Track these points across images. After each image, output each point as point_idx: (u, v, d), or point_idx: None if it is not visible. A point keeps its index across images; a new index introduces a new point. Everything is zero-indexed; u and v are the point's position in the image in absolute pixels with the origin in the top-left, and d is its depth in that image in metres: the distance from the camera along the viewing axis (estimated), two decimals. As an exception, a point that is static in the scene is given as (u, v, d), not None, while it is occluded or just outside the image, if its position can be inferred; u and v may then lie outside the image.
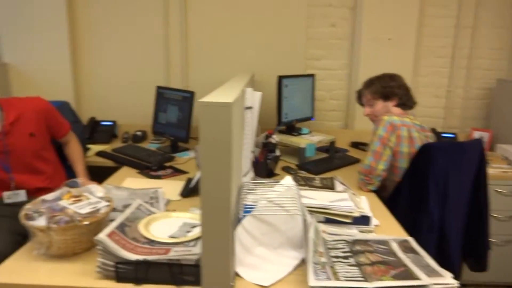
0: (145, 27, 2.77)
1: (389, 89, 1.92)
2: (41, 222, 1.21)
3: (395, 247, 1.23)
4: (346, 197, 1.51)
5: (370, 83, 1.99)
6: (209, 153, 0.99)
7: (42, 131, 1.92)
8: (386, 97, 1.93)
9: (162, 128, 2.59)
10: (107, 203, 1.34)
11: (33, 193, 1.87)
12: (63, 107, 2.33)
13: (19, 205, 1.80)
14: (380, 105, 1.95)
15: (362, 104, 2.10)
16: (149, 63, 2.83)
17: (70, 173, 2.07)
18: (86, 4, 2.75)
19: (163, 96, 2.59)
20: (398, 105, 1.94)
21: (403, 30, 2.72)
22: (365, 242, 1.26)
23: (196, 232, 1.24)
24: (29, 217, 1.25)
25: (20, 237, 1.69)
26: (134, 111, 2.90)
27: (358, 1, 2.69)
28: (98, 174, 2.11)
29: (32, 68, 2.79)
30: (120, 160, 2.26)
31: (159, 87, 2.64)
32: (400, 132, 1.77)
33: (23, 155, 1.86)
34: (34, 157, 1.90)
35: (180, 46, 2.78)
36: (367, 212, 1.49)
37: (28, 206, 1.31)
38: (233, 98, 1.03)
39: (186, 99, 2.44)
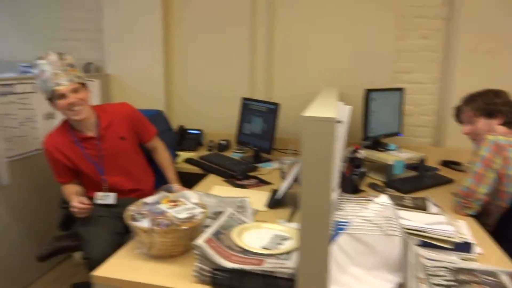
0: (232, 40, 2.88)
1: (493, 106, 1.77)
2: (144, 223, 1.30)
3: (505, 280, 1.12)
4: (443, 220, 1.42)
5: (471, 99, 1.85)
6: (310, 168, 0.98)
7: (131, 135, 2.04)
8: (489, 114, 1.78)
9: (246, 138, 2.65)
10: (202, 210, 1.39)
11: (123, 194, 1.99)
12: (157, 115, 2.49)
13: (111, 205, 1.95)
14: (482, 123, 1.81)
15: (460, 122, 1.96)
16: (235, 75, 2.93)
17: (158, 176, 2.20)
18: (180, 22, 2.94)
19: (248, 107, 2.66)
20: (503, 124, 1.78)
21: (506, 41, 2.50)
22: (470, 271, 1.16)
23: (288, 245, 1.24)
24: (133, 218, 1.35)
25: (118, 236, 1.82)
26: (218, 120, 3.01)
27: (456, 10, 2.53)
28: (186, 180, 2.21)
29: (130, 79, 3.04)
30: (207, 167, 2.36)
31: (245, 99, 2.72)
32: (507, 154, 1.61)
33: (116, 158, 1.98)
34: (126, 160, 2.02)
35: (265, 59, 2.84)
36: (469, 238, 1.37)
37: (132, 207, 1.41)
38: (334, 113, 1.02)
39: (271, 110, 2.48)
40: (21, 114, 2.32)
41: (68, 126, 1.93)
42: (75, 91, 1.79)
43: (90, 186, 2.00)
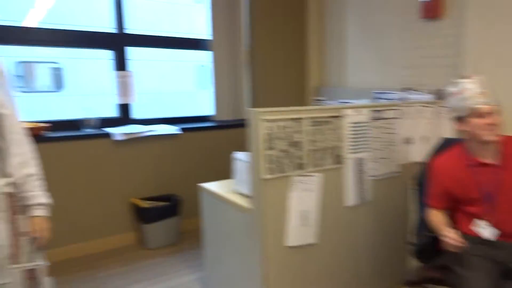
0: None
1: None
2: None
3: None
4: None
5: None
6: None
7: None
8: None
9: None
10: None
11: (503, 236, 1.77)
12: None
13: (485, 244, 1.76)
14: None
15: None
16: None
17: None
18: None
19: None
20: None
21: None
22: None
23: None
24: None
25: (495, 283, 1.64)
26: None
27: None
28: None
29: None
30: None
31: None
32: None
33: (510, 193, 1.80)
34: None
35: None
36: None
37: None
38: None
39: None
40: (385, 138, 2.52)
41: (463, 150, 1.91)
42: (493, 112, 1.77)
43: (463, 218, 1.90)
